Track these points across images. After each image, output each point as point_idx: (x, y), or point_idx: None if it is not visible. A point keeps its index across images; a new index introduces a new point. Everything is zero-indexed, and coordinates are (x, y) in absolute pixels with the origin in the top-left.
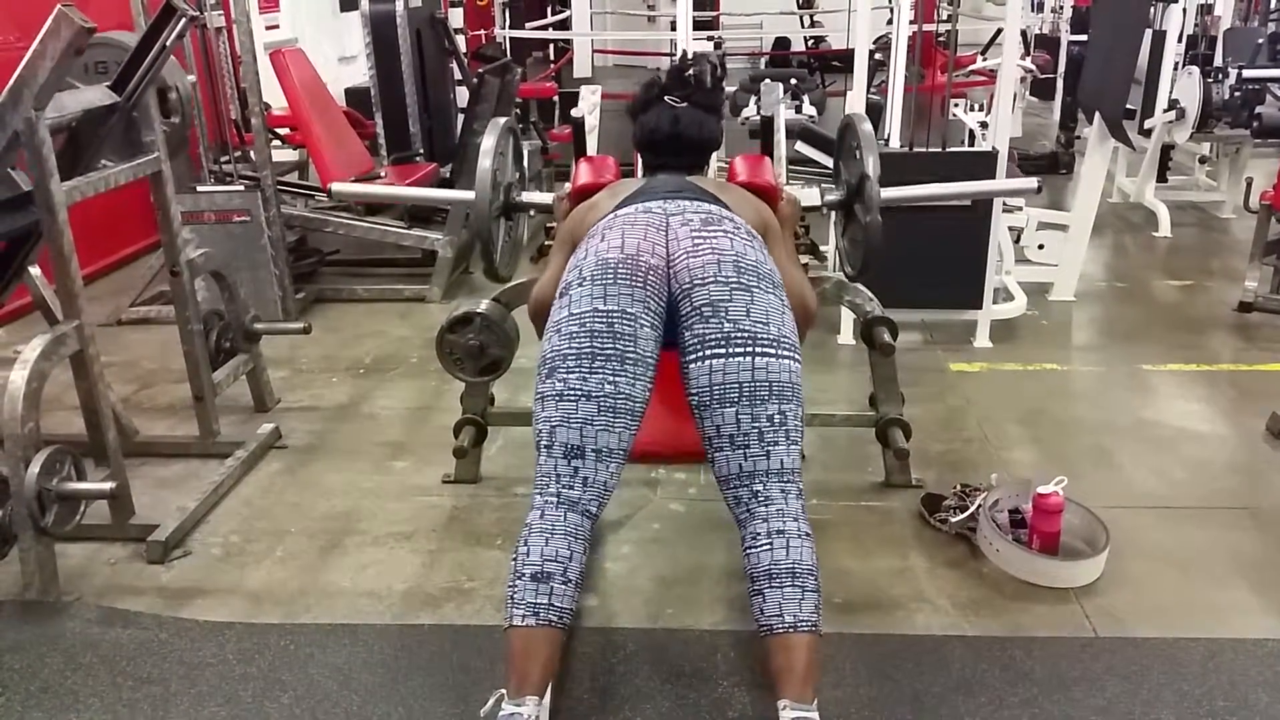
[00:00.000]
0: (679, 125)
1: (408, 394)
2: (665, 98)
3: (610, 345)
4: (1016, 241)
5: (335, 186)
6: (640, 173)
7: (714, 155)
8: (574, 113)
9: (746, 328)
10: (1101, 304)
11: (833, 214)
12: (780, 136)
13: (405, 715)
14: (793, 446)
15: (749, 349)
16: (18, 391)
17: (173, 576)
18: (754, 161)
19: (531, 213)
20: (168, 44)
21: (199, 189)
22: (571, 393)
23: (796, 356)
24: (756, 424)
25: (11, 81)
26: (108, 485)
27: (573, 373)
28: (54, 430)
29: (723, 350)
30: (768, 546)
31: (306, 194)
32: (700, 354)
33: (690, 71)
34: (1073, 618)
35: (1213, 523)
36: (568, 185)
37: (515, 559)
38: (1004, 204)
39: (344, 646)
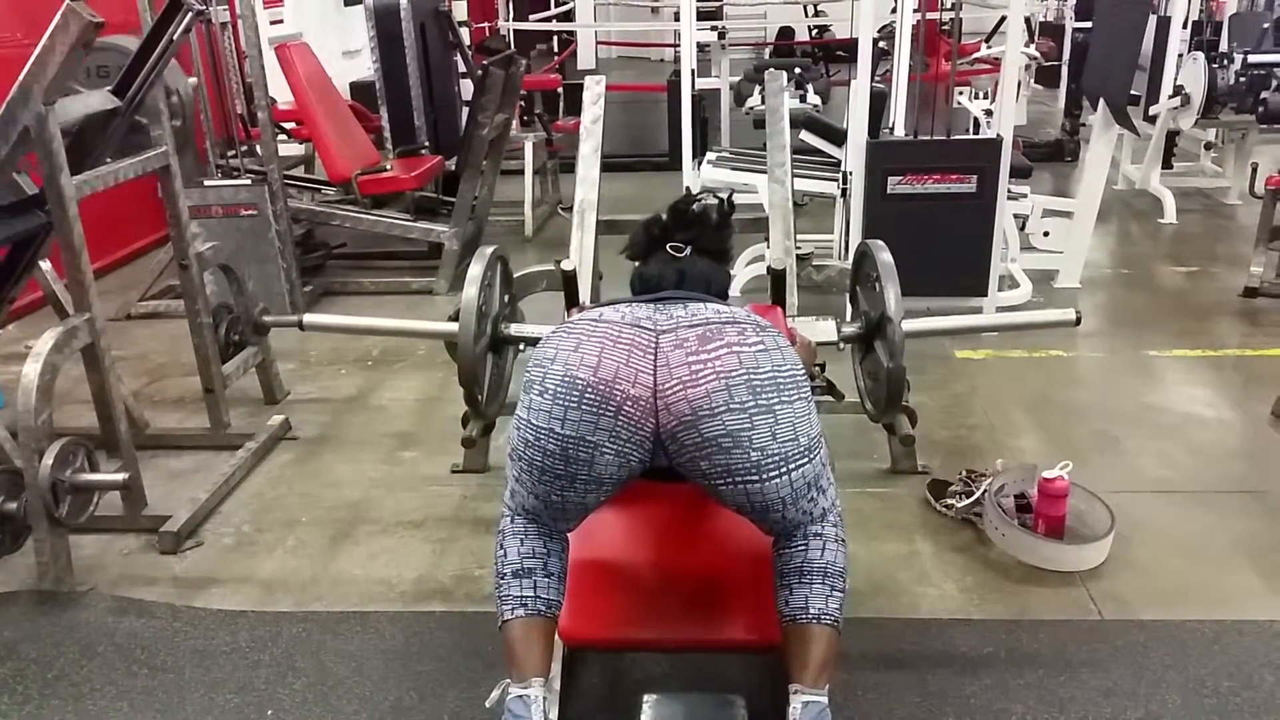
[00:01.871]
0: (684, 281)
1: (416, 385)
2: (667, 245)
3: (560, 467)
4: (1022, 229)
5: (308, 319)
6: None
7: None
8: (563, 265)
9: (775, 451)
10: (1107, 291)
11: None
12: (792, 281)
13: (417, 700)
14: (829, 492)
15: (784, 469)
16: (31, 384)
17: (185, 566)
18: (764, 313)
19: (521, 347)
20: (174, 39)
21: (206, 183)
22: (525, 478)
23: (824, 445)
24: (800, 509)
25: (21, 77)
26: (120, 477)
27: (525, 473)
28: (67, 423)
29: (757, 478)
30: (803, 547)
31: (313, 188)
32: (729, 481)
33: (694, 209)
34: (1078, 601)
35: (1218, 507)
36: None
37: (496, 562)
38: (1009, 191)
39: (356, 633)
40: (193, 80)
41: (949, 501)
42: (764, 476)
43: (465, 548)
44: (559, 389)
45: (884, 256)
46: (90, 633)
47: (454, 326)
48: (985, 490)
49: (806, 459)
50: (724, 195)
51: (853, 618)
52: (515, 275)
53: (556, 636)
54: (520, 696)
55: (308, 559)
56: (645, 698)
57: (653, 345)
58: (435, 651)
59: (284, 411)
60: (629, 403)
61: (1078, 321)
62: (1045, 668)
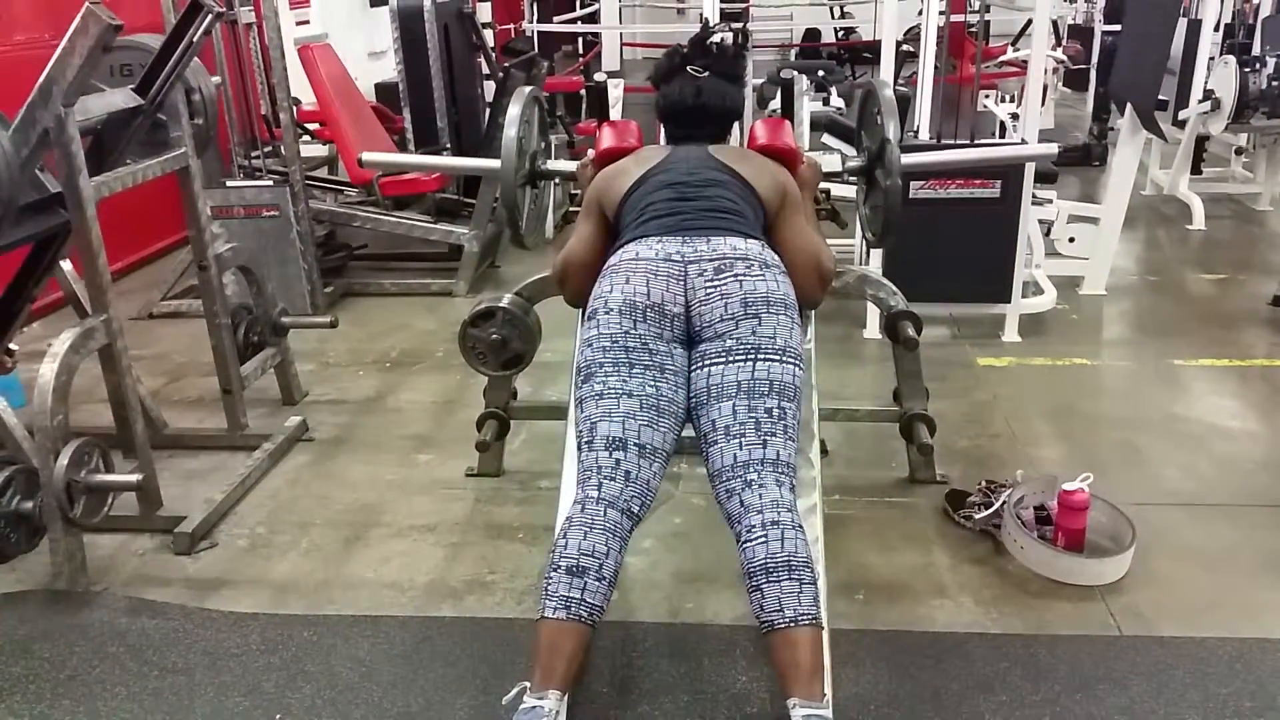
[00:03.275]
0: (702, 96)
1: (433, 388)
2: (688, 67)
3: (646, 358)
4: (1047, 234)
5: (366, 156)
6: (663, 140)
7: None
8: (596, 76)
9: (749, 341)
10: (1133, 298)
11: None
12: (803, 101)
13: (426, 706)
14: (789, 442)
15: (750, 357)
16: (47, 384)
17: (199, 567)
18: (774, 125)
19: (556, 180)
20: (194, 40)
21: (228, 184)
22: (612, 391)
23: (800, 366)
24: (754, 414)
25: (41, 79)
26: (135, 477)
27: (612, 375)
28: (84, 423)
29: (723, 360)
30: (762, 539)
31: (335, 189)
32: (700, 365)
33: (712, 40)
34: (1097, 616)
35: (1243, 520)
36: (591, 151)
37: (554, 550)
38: (1034, 196)
39: (366, 638)
40: (216, 79)
41: (967, 512)
42: (730, 358)
43: (477, 553)
44: (624, 306)
45: (886, 93)
46: (103, 633)
47: (497, 162)
48: (1004, 502)
49: (777, 359)
50: (738, 28)
51: (867, 630)
52: (535, 278)
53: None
54: (533, 708)
55: (320, 562)
56: (633, 715)
57: (682, 274)
58: (445, 657)
59: (302, 412)
60: (675, 320)
61: (1057, 157)
62: (1062, 684)
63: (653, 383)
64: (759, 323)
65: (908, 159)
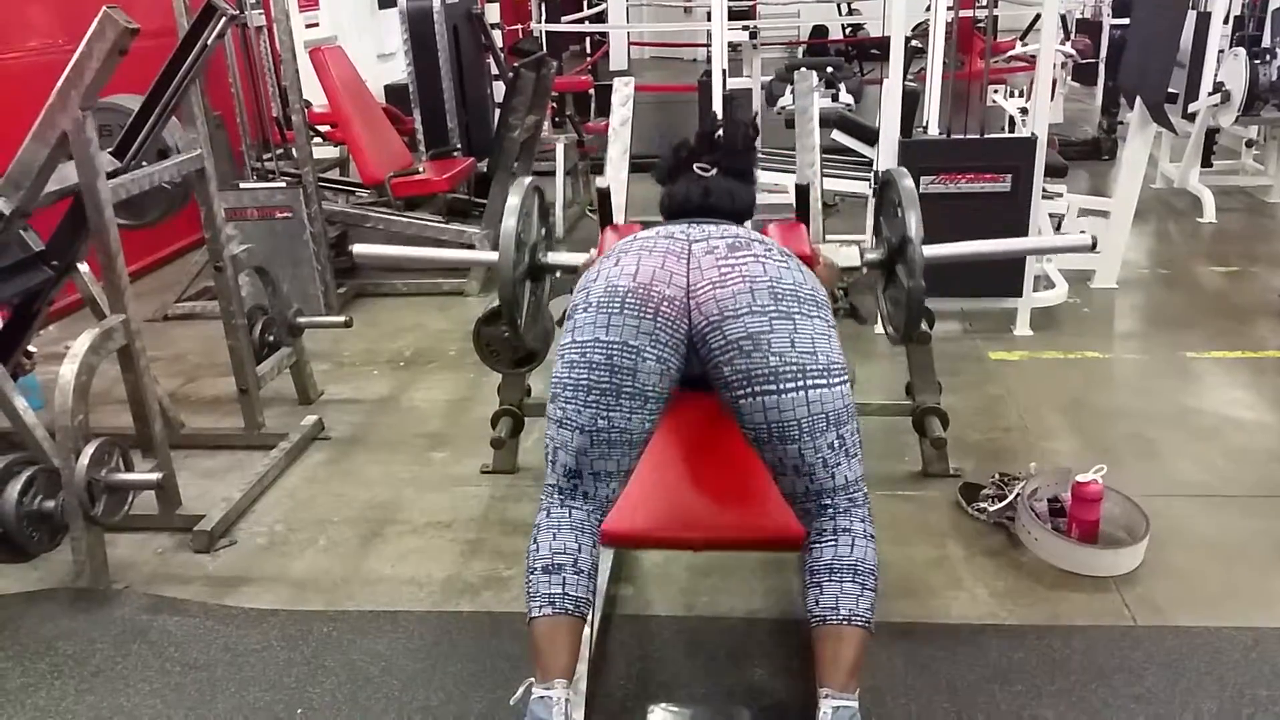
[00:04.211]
0: (709, 197)
1: (447, 386)
2: (694, 166)
3: (606, 379)
4: (1057, 228)
5: (356, 249)
6: None
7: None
8: (599, 183)
9: (793, 360)
10: (1144, 291)
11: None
12: (817, 204)
13: (445, 700)
14: (854, 460)
15: (800, 383)
16: (68, 385)
17: (218, 565)
18: (789, 229)
19: (558, 274)
20: (209, 43)
21: (242, 186)
22: (568, 421)
23: (846, 378)
24: (820, 454)
25: (60, 83)
26: (155, 476)
27: (569, 404)
28: (103, 423)
29: (774, 387)
30: (832, 542)
31: (347, 190)
32: (748, 390)
33: (719, 133)
34: (1112, 607)
35: (1256, 511)
36: (594, 251)
37: (528, 556)
38: (1044, 190)
39: (385, 633)
40: (216, 114)
41: (981, 505)
42: (781, 386)
43: (493, 549)
44: (601, 299)
45: (906, 183)
46: (124, 630)
47: (495, 255)
48: (1018, 494)
49: (825, 381)
50: (748, 120)
51: (883, 622)
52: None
53: (583, 635)
54: (543, 698)
55: (339, 558)
56: (651, 708)
57: (686, 251)
58: (463, 652)
59: (317, 412)
60: (665, 303)
61: (1094, 246)
62: (1078, 674)
63: (604, 415)
64: (795, 327)
65: (930, 251)
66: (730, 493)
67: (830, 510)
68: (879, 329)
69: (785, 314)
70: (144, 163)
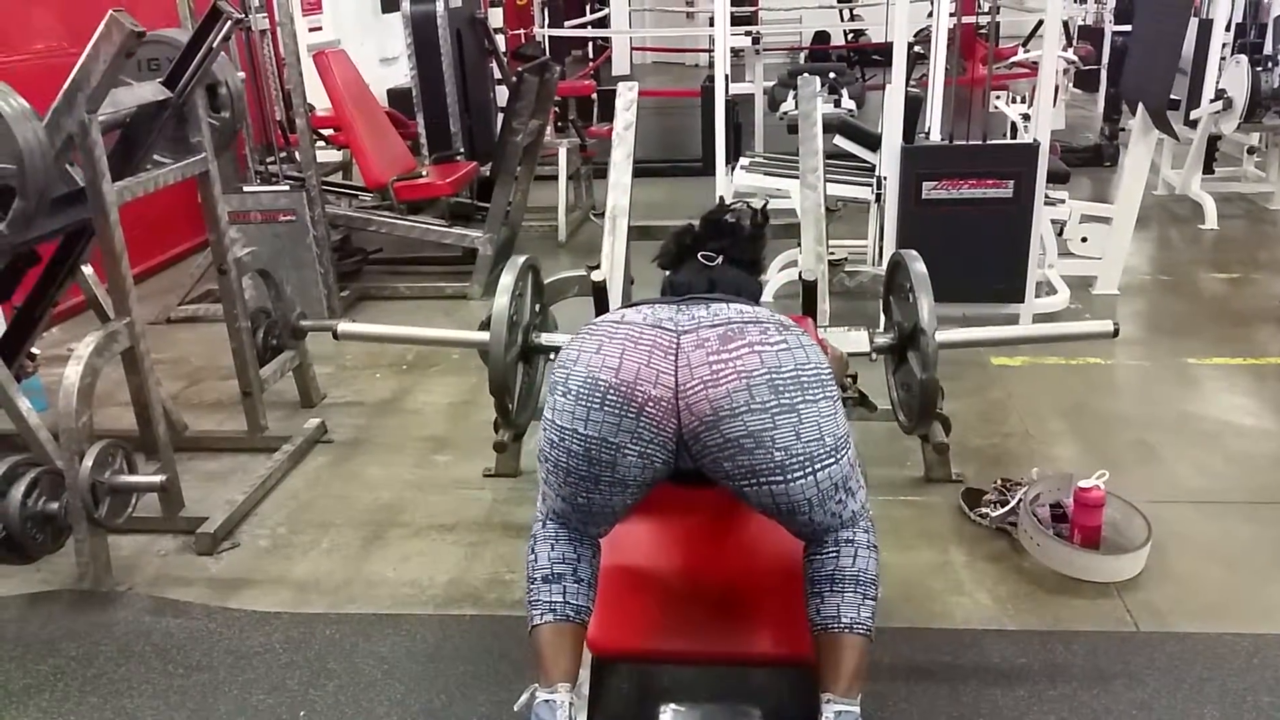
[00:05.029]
0: (715, 289)
1: (449, 389)
2: (699, 254)
3: (585, 468)
4: (1059, 234)
5: (342, 327)
6: None
7: None
8: (594, 276)
9: (800, 451)
10: (1146, 297)
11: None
12: (823, 290)
13: (448, 702)
14: (859, 495)
15: (809, 469)
16: (72, 387)
17: (221, 567)
18: (796, 324)
19: (551, 355)
20: (214, 46)
21: (245, 189)
22: (551, 488)
23: (852, 446)
24: (828, 510)
25: (66, 84)
26: (158, 478)
27: (552, 474)
28: (106, 425)
29: (781, 478)
30: (834, 554)
31: (350, 194)
32: (753, 482)
33: (727, 219)
34: (1114, 612)
35: (1258, 517)
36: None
37: (527, 567)
38: (1046, 196)
39: (388, 636)
40: (241, 75)
41: (983, 510)
42: (789, 477)
43: (496, 551)
44: (581, 390)
45: (917, 267)
46: (127, 632)
47: (485, 336)
48: (1020, 499)
49: (833, 459)
50: (758, 205)
51: (885, 627)
52: (547, 281)
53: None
54: (547, 702)
55: (341, 561)
56: (662, 708)
57: (674, 346)
58: (466, 654)
59: (320, 415)
60: (650, 403)
61: (1115, 333)
62: (1079, 680)
63: (584, 495)
64: (799, 420)
65: (943, 336)
66: (732, 603)
67: (835, 535)
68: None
69: (788, 407)
70: (150, 166)
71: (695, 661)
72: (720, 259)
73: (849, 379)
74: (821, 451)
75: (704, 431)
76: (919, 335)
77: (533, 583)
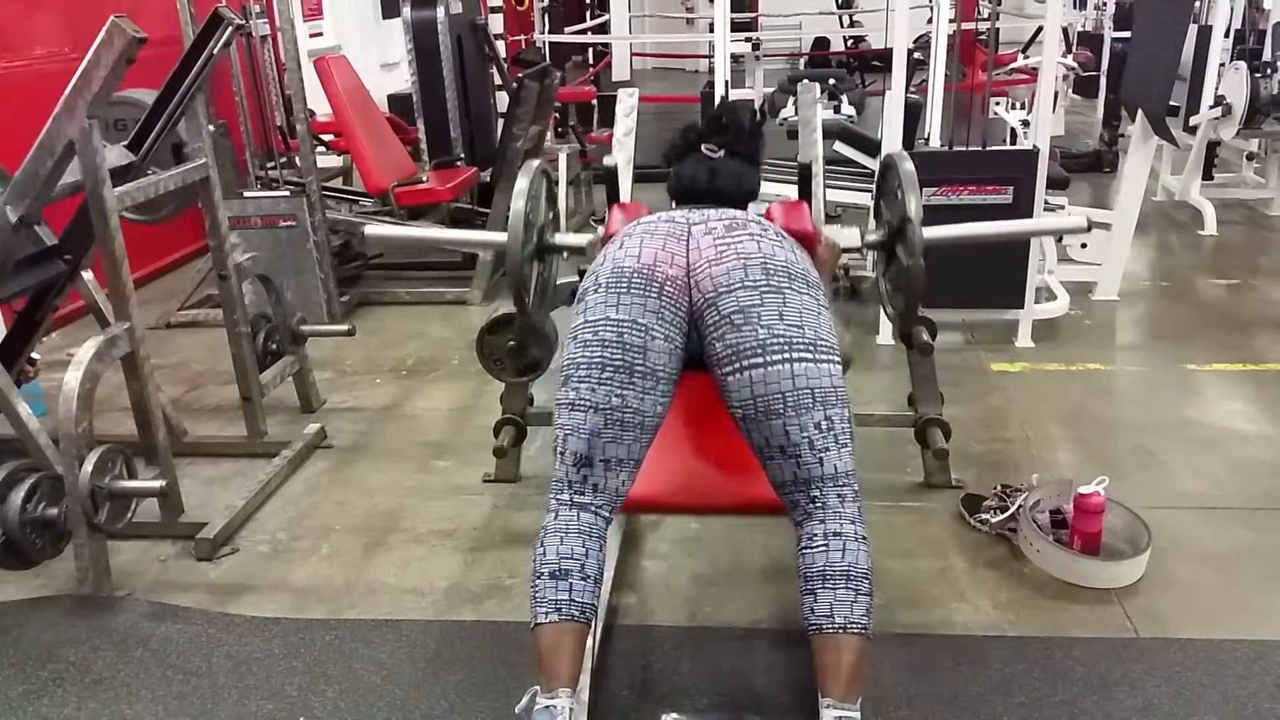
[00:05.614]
0: (716, 178)
1: (449, 395)
2: (702, 147)
3: (619, 356)
4: (1059, 240)
5: (369, 229)
6: None
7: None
8: (606, 160)
9: (781, 332)
10: (1146, 303)
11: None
12: (819, 182)
13: (448, 709)
14: (844, 450)
15: (785, 354)
16: (72, 392)
17: (221, 573)
18: (791, 208)
19: (565, 255)
20: (215, 52)
21: (246, 194)
22: (582, 402)
23: (836, 359)
24: (805, 433)
25: (67, 91)
26: (158, 484)
27: (583, 383)
28: (106, 430)
29: (760, 360)
30: (824, 548)
31: (351, 199)
32: (736, 366)
33: (727, 119)
34: (1114, 618)
35: (1259, 524)
36: (601, 229)
37: (534, 560)
38: (1046, 202)
39: (387, 641)
40: (222, 122)
41: (983, 516)
42: (767, 358)
43: (496, 557)
44: (609, 279)
45: (906, 166)
46: (127, 638)
47: (504, 236)
48: (1020, 505)
49: (810, 355)
50: (756, 106)
51: (885, 633)
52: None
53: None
54: (548, 707)
55: (341, 567)
56: (663, 716)
57: (685, 233)
58: (466, 660)
59: (320, 420)
60: (669, 282)
61: (1089, 229)
62: (1080, 686)
63: (619, 393)
64: (784, 302)
65: (930, 233)
66: (726, 464)
67: (820, 505)
68: (880, 340)
69: (775, 289)
70: (154, 167)
71: (704, 511)
72: (722, 153)
73: (841, 270)
74: (800, 340)
75: (706, 308)
76: (906, 225)
77: (538, 578)
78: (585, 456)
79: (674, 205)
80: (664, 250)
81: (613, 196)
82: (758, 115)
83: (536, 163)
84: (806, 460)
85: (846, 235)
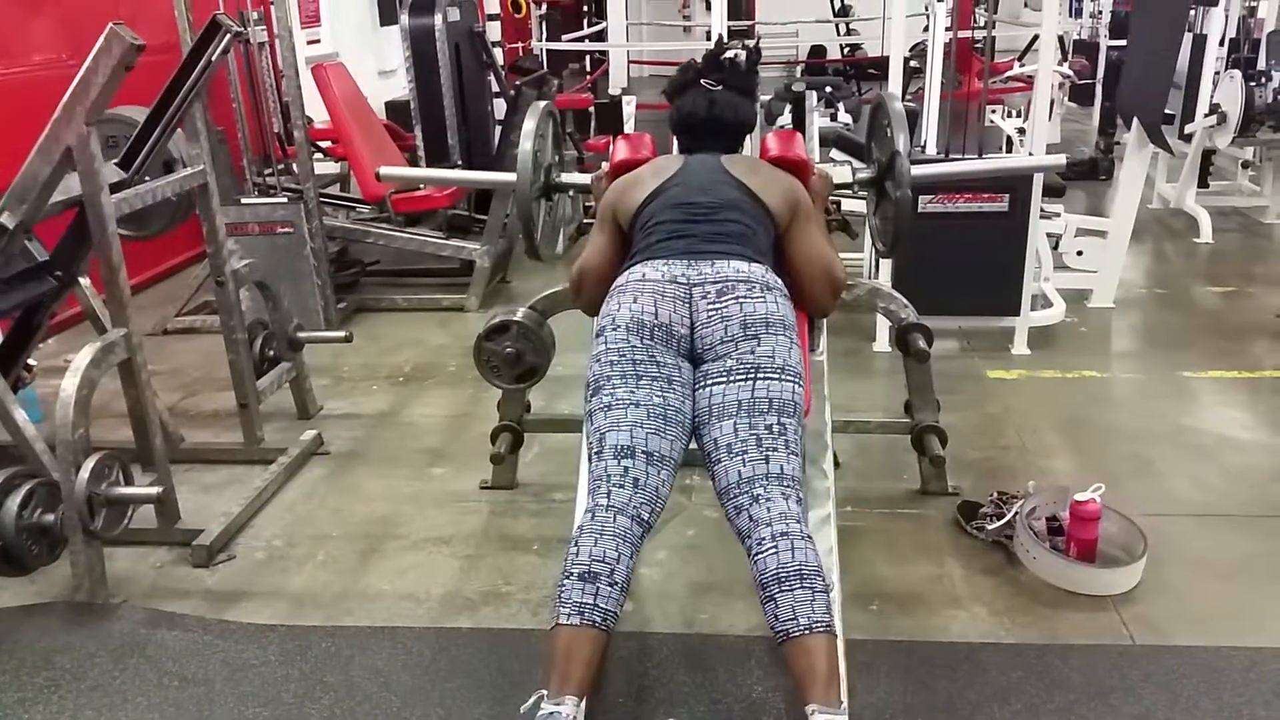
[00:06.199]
0: (715, 109)
1: (446, 401)
2: (701, 81)
3: (654, 370)
4: (1055, 248)
5: (383, 170)
6: (676, 151)
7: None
8: (611, 90)
9: (749, 361)
10: (1141, 311)
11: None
12: (813, 117)
13: (444, 717)
14: (792, 456)
15: (750, 376)
16: (68, 399)
17: (217, 580)
18: (786, 137)
19: (571, 192)
20: (213, 59)
21: (243, 201)
22: (620, 402)
23: (799, 384)
24: (754, 431)
25: (65, 98)
26: (154, 490)
27: (620, 388)
28: (103, 437)
29: (724, 379)
30: (773, 550)
31: (348, 206)
32: (702, 384)
33: (726, 55)
34: (1110, 625)
35: (1255, 531)
36: (605, 164)
37: (566, 559)
38: (1042, 210)
39: (384, 649)
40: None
41: (979, 524)
42: (731, 379)
43: (492, 564)
44: (631, 324)
45: (896, 105)
46: (123, 644)
47: (513, 176)
48: (1016, 512)
49: (775, 377)
50: (751, 43)
51: (881, 640)
52: (548, 292)
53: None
54: (552, 714)
55: (337, 574)
56: None
57: (687, 295)
58: (462, 668)
59: (317, 427)
60: (682, 341)
61: (1066, 164)
62: (1076, 693)
63: (659, 393)
64: (758, 343)
65: (917, 170)
66: None
67: (764, 503)
68: (877, 347)
69: (751, 336)
70: (148, 176)
71: None
72: (720, 87)
73: (833, 205)
74: (769, 366)
75: (697, 354)
76: (895, 159)
77: (568, 577)
78: (627, 447)
79: (674, 141)
80: (675, 312)
81: (617, 128)
82: (753, 52)
83: (544, 104)
84: (752, 458)
85: (838, 173)
